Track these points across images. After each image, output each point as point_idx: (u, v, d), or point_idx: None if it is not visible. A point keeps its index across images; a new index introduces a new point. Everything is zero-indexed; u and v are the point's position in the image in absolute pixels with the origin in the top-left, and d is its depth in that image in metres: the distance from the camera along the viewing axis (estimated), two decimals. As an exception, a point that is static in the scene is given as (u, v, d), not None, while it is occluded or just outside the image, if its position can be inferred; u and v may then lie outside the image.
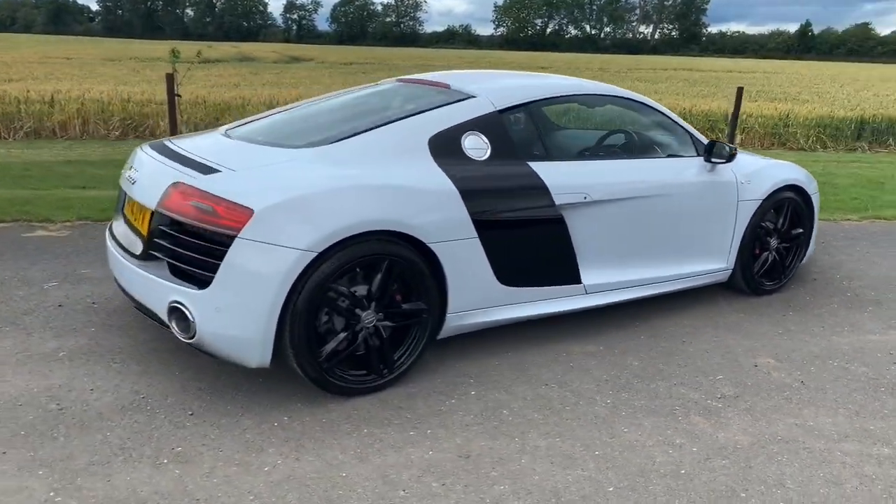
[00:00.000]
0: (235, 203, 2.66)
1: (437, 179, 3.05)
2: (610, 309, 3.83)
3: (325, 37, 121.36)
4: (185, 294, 2.72)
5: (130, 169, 3.26)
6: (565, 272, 3.46)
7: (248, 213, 2.64)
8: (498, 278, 3.22)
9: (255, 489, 2.34)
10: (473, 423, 2.80)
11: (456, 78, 3.80)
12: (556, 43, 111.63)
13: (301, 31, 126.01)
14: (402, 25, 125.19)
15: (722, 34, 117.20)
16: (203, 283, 2.70)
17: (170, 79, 8.63)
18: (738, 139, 11.66)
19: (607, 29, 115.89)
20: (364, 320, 2.90)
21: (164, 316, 2.83)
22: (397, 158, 3.07)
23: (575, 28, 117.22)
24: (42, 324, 3.56)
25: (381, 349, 2.97)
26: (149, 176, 3.06)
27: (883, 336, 3.85)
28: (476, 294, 3.19)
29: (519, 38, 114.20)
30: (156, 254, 2.89)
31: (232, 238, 2.64)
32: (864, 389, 3.22)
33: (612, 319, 3.87)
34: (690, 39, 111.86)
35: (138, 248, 2.99)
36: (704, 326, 3.89)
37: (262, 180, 2.81)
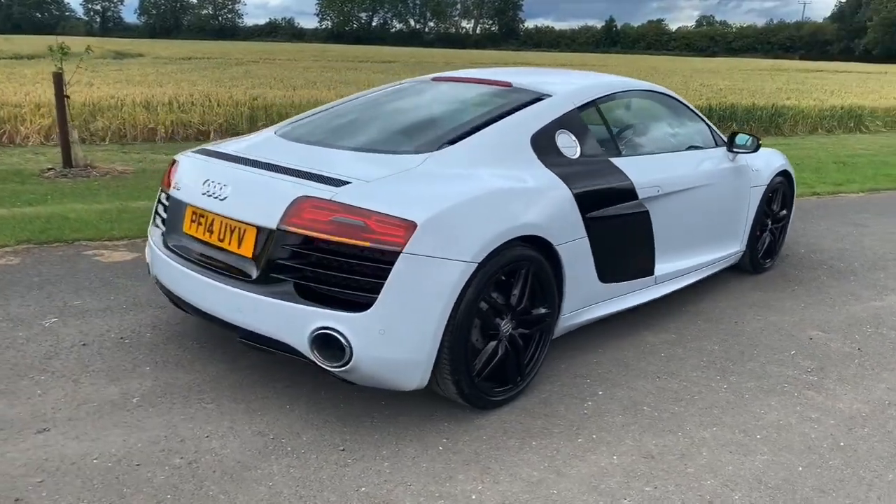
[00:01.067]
0: (395, 216, 2.44)
1: (551, 180, 2.99)
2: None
3: (134, 30, 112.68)
4: (339, 319, 2.45)
5: (206, 183, 2.87)
6: (646, 265, 3.53)
7: (410, 226, 2.43)
8: (598, 276, 3.22)
9: (482, 520, 2.19)
10: (627, 423, 2.79)
11: (511, 76, 3.73)
12: (381, 37, 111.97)
13: (106, 23, 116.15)
14: (220, 18, 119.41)
15: (537, 29, 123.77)
16: (361, 304, 2.44)
17: (58, 78, 7.66)
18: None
19: (431, 23, 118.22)
20: (503, 329, 2.79)
21: (301, 346, 2.53)
22: (510, 159, 2.98)
23: (399, 22, 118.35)
24: (80, 368, 3.05)
25: (517, 358, 2.87)
26: (251, 190, 2.72)
27: (882, 301, 4.32)
28: (583, 293, 3.17)
29: (344, 31, 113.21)
30: (280, 277, 2.58)
31: (395, 254, 2.42)
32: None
33: (661, 307, 4.00)
34: (509, 34, 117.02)
35: (251, 271, 2.65)
36: (741, 307, 4.14)
37: (408, 190, 2.59)
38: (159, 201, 3.34)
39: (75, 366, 3.08)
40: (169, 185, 3.16)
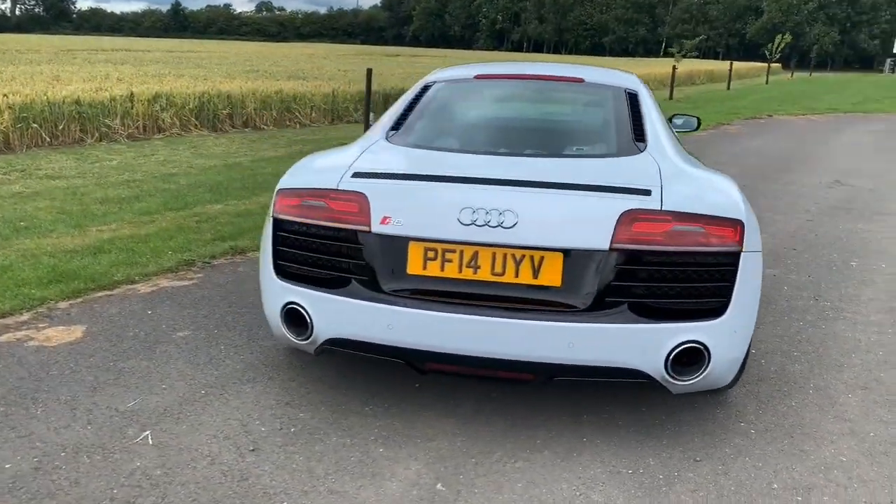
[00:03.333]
0: (725, 217, 2.44)
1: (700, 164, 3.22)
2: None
3: None
4: (701, 329, 2.37)
5: (465, 212, 2.39)
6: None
7: (739, 225, 2.46)
8: None
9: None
10: (828, 383, 3.11)
11: (576, 72, 3.70)
12: None
13: None
14: None
15: (93, 11, 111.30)
16: (717, 310, 2.40)
17: None
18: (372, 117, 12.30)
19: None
20: None
21: (650, 367, 2.38)
22: (679, 150, 3.10)
23: None
24: (306, 477, 2.31)
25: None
26: (552, 212, 2.42)
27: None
28: None
29: None
30: (616, 300, 2.36)
31: (735, 254, 2.43)
32: (850, 283, 4.60)
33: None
34: (60, 16, 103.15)
35: (574, 301, 2.35)
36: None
37: (703, 191, 2.61)
38: (299, 246, 2.62)
39: (291, 479, 2.30)
40: (355, 222, 2.51)
